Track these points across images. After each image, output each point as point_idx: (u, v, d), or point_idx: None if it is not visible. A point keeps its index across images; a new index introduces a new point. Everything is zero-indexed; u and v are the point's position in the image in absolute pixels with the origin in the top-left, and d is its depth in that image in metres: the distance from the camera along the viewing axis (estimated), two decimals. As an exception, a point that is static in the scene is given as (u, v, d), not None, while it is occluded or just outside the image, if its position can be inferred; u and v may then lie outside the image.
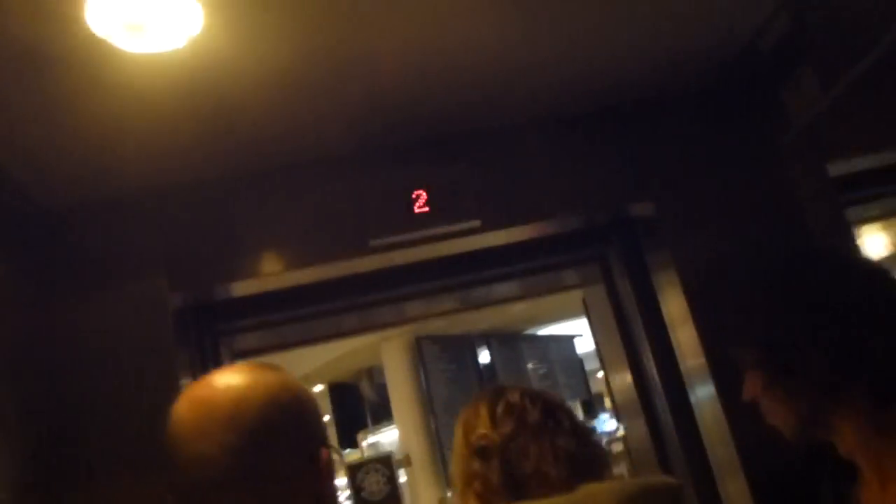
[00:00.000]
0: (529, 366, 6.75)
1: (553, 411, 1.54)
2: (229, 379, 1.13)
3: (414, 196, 2.27)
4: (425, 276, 2.53)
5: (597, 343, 2.98)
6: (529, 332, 6.98)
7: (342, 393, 7.64)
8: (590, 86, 2.31)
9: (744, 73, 2.29)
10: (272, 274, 2.36)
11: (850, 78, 1.90)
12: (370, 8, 1.75)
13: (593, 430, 2.00)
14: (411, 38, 1.92)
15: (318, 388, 7.84)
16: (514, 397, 1.56)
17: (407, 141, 2.33)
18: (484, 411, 1.56)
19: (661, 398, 2.49)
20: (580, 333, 7.08)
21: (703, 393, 2.33)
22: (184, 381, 2.21)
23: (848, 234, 2.32)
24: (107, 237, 2.26)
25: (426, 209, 2.27)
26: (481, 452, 1.50)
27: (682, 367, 2.42)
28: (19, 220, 2.17)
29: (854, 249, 2.37)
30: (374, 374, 7.63)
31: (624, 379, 2.66)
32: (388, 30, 1.86)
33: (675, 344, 2.43)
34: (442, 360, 6.59)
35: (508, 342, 6.84)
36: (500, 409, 1.54)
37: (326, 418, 8.27)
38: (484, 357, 6.67)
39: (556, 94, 2.31)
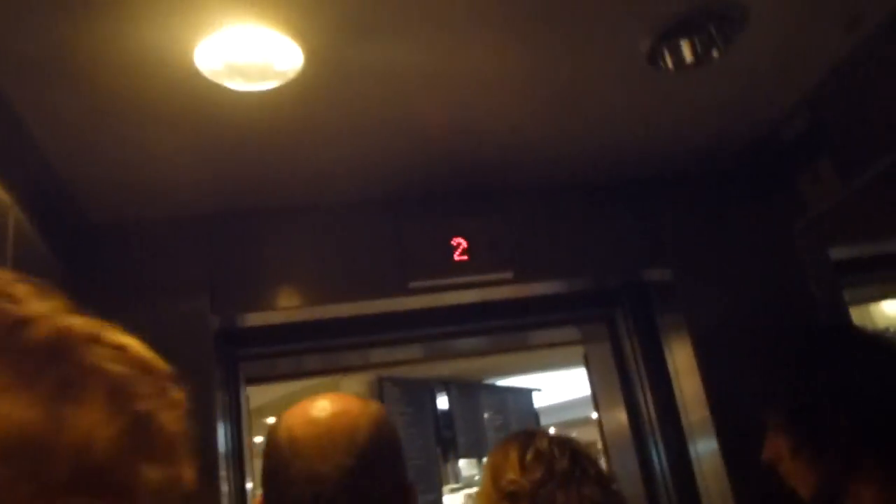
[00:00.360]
0: (486, 416, 6.82)
1: (580, 459, 1.62)
2: (342, 406, 1.24)
3: (454, 243, 2.39)
4: (449, 320, 2.64)
5: (595, 396, 3.11)
6: (489, 381, 7.06)
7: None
8: (620, 158, 2.50)
9: (764, 159, 2.51)
10: (301, 306, 2.44)
11: (869, 175, 2.11)
12: (423, 71, 1.90)
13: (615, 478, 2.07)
14: (458, 100, 2.06)
15: (272, 420, 7.74)
16: (544, 444, 1.63)
17: (450, 191, 2.47)
18: (514, 456, 1.62)
19: (660, 452, 2.63)
20: (538, 388, 7.21)
21: (704, 448, 2.47)
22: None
23: (844, 310, 2.52)
24: (154, 256, 2.32)
25: (465, 257, 2.39)
26: (511, 497, 1.57)
27: (684, 421, 2.56)
28: (72, 232, 2.21)
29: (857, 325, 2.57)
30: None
31: (622, 433, 2.79)
32: (437, 89, 2.00)
33: (678, 399, 2.58)
34: (401, 402, 6.61)
35: (467, 390, 6.91)
36: (529, 456, 1.60)
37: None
38: (442, 403, 6.72)
39: (588, 163, 2.50)
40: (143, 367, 0.53)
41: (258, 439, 3.47)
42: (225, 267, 2.38)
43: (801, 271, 2.46)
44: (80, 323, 0.51)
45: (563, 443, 1.65)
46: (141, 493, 0.49)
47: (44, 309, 0.50)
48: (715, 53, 1.92)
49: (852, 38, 2.03)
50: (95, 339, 0.50)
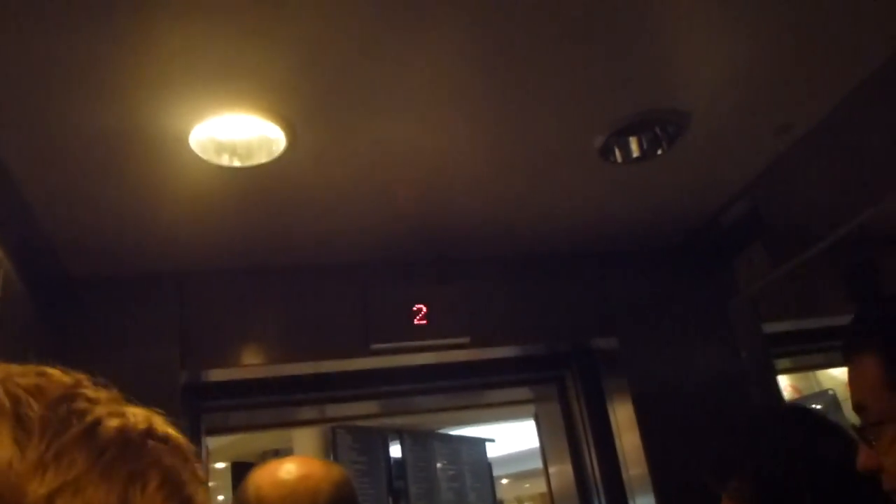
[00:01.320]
0: (439, 465, 6.86)
1: None
2: (307, 469, 1.38)
3: (415, 308, 2.54)
4: (407, 378, 2.78)
5: (543, 451, 3.25)
6: (442, 431, 7.14)
7: (245, 473, 7.47)
8: (573, 236, 2.71)
9: (704, 242, 2.73)
10: (266, 364, 2.55)
11: (796, 260, 2.32)
12: (395, 154, 2.08)
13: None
14: (427, 178, 2.24)
15: (220, 465, 7.68)
16: None
17: (414, 260, 2.64)
18: None
19: (602, 506, 2.78)
20: (492, 438, 7.29)
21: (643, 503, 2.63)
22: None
23: (774, 379, 2.73)
24: (128, 310, 2.42)
25: (425, 322, 2.54)
26: None
27: (625, 476, 2.73)
28: (52, 285, 2.31)
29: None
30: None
31: (568, 487, 2.94)
32: (408, 169, 2.17)
33: (620, 456, 2.74)
34: (354, 451, 6.62)
35: (421, 439, 6.95)
36: None
37: (221, 498, 8.09)
38: (395, 451, 6.75)
39: (544, 239, 2.71)
40: (183, 456, 0.67)
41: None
42: (195, 323, 2.49)
43: (734, 343, 2.66)
44: (136, 417, 0.66)
45: None
46: None
47: (109, 405, 0.64)
48: (660, 151, 2.13)
49: (784, 140, 2.26)
50: (150, 434, 0.65)
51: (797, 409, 1.85)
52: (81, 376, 0.65)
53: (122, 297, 2.43)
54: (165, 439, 0.67)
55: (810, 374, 4.60)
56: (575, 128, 2.05)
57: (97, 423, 0.61)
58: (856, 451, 1.47)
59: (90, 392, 0.64)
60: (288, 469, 1.37)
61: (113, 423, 0.62)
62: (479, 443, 7.40)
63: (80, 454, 0.59)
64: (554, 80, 1.85)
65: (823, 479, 1.37)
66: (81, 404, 0.63)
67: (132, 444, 0.63)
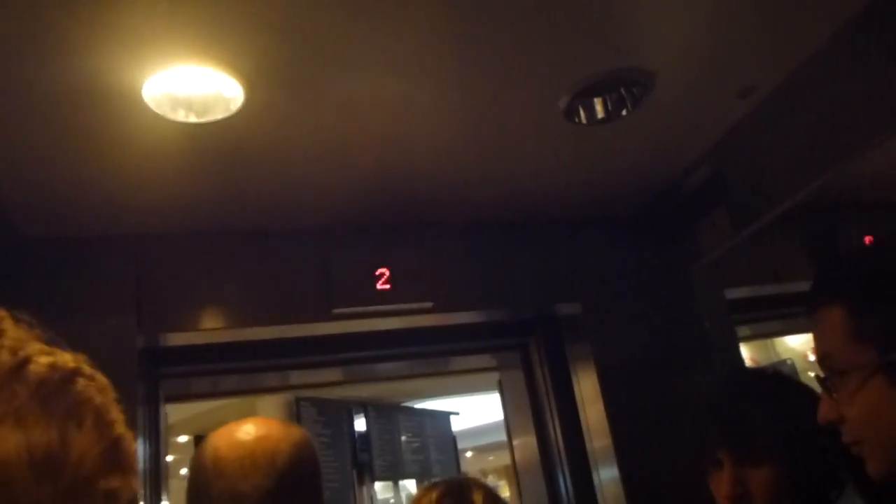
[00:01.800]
0: (404, 438, 6.89)
1: None
2: (266, 430, 1.33)
3: (378, 273, 2.51)
4: (370, 345, 2.75)
5: (507, 422, 3.26)
6: (407, 404, 7.15)
7: (208, 447, 7.41)
8: (537, 200, 2.69)
9: (668, 207, 2.73)
10: (225, 328, 2.50)
11: (758, 224, 2.34)
12: (357, 111, 2.03)
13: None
14: (391, 138, 2.20)
15: (183, 438, 7.61)
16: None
17: (377, 224, 2.60)
18: None
19: (566, 478, 2.79)
20: (457, 412, 7.32)
21: (606, 475, 2.65)
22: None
23: (736, 345, 2.76)
24: (83, 272, 2.36)
25: (388, 286, 2.51)
26: None
27: (588, 448, 2.74)
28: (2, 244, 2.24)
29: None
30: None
31: (531, 458, 2.95)
32: (370, 129, 2.14)
33: (584, 427, 2.75)
34: (319, 423, 6.61)
35: (385, 412, 6.96)
36: None
37: (183, 472, 8.01)
38: (360, 425, 6.75)
39: (508, 203, 2.69)
40: (110, 395, 0.66)
41: (169, 458, 3.48)
42: (152, 287, 2.43)
43: (697, 309, 2.68)
44: (64, 356, 0.64)
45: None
46: (111, 499, 0.61)
47: (34, 343, 0.62)
48: (624, 112, 2.12)
49: (747, 104, 2.26)
50: (80, 373, 0.63)
51: (766, 369, 1.87)
52: (2, 312, 0.63)
53: (76, 259, 2.36)
54: (93, 377, 0.66)
55: (769, 344, 4.68)
56: (540, 88, 2.03)
57: (28, 359, 0.59)
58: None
59: (12, 329, 0.62)
60: (247, 430, 1.32)
61: (44, 360, 0.61)
62: (444, 416, 7.43)
63: (18, 386, 0.57)
64: (518, 40, 1.82)
65: (794, 428, 1.37)
66: (7, 340, 0.61)
67: (65, 381, 0.61)
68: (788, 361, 4.43)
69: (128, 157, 2.05)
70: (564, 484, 2.80)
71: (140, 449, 2.37)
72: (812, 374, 1.12)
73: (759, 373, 1.73)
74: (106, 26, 1.56)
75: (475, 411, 7.94)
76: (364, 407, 6.89)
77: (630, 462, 2.56)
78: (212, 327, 2.47)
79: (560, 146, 2.33)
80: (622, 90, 2.08)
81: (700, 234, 2.60)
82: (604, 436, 2.66)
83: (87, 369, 0.66)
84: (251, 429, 1.32)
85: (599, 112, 2.12)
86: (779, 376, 1.63)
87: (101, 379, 0.68)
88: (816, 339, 1.05)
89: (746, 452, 1.39)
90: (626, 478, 2.54)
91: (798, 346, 4.60)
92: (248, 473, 1.24)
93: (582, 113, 2.11)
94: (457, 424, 7.43)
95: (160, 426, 2.60)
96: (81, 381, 0.62)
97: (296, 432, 1.36)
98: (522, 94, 2.05)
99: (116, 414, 0.66)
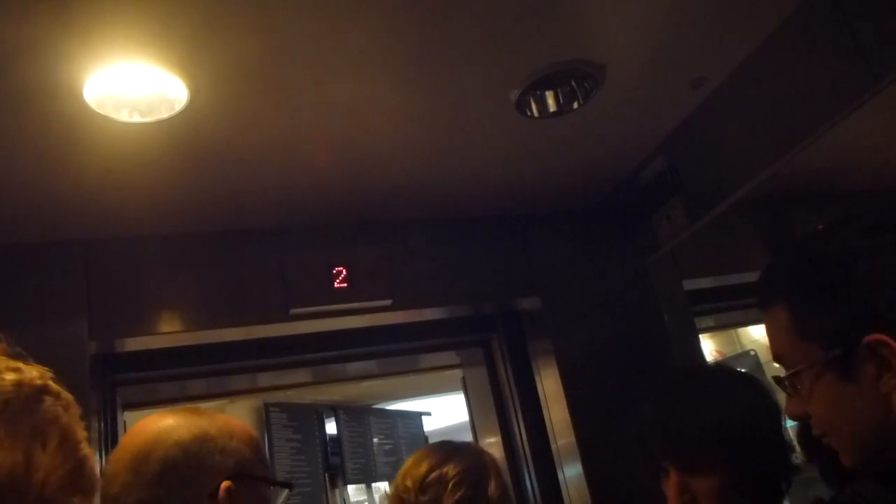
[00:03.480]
0: (375, 440, 6.84)
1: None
2: (149, 424, 1.23)
3: (335, 271, 2.49)
4: (331, 345, 2.73)
5: (472, 420, 3.24)
6: (378, 406, 7.11)
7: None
8: (494, 195, 2.69)
9: (624, 199, 2.74)
10: (182, 331, 2.46)
11: (712, 214, 2.35)
12: (306, 108, 2.01)
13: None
14: (343, 136, 2.18)
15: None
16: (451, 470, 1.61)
17: (332, 222, 2.58)
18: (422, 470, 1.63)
19: (531, 476, 2.78)
20: (428, 412, 7.29)
21: (571, 472, 2.64)
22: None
23: (696, 337, 2.77)
24: (30, 280, 2.30)
25: (345, 285, 2.49)
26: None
27: (553, 445, 2.73)
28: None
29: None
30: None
31: (497, 455, 2.93)
32: (322, 127, 2.12)
33: (548, 424, 2.75)
34: (289, 428, 6.54)
35: (356, 415, 6.91)
36: (432, 476, 1.61)
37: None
38: (331, 428, 6.70)
39: (465, 198, 2.68)
40: (76, 412, 0.64)
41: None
42: (104, 292, 2.38)
43: (655, 301, 2.68)
44: (31, 371, 0.62)
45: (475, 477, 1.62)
46: None
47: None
48: (576, 105, 2.12)
49: (699, 95, 2.28)
50: (46, 390, 0.61)
51: (706, 365, 1.86)
52: None
53: (23, 266, 2.30)
54: (59, 395, 0.64)
55: (734, 335, 4.71)
56: (491, 82, 2.02)
57: None
58: (770, 401, 1.47)
59: None
60: (134, 430, 1.23)
61: (9, 377, 0.59)
62: (416, 416, 7.40)
63: None
64: (468, 34, 1.81)
65: (733, 431, 1.35)
66: None
67: (31, 399, 0.59)
68: (752, 352, 4.45)
69: (73, 160, 2.01)
70: (530, 482, 2.79)
71: (99, 457, 2.32)
72: (777, 365, 1.11)
73: (698, 372, 1.66)
74: (46, 21, 1.52)
75: (447, 411, 7.92)
76: (334, 410, 6.84)
77: (594, 459, 2.56)
78: (167, 331, 2.43)
79: (514, 140, 2.32)
80: (573, 83, 2.08)
81: (657, 226, 2.61)
82: (567, 433, 2.65)
83: (53, 387, 0.64)
84: (140, 425, 1.23)
85: (551, 105, 2.12)
86: (719, 372, 1.61)
87: (67, 396, 0.66)
88: (769, 339, 1.06)
89: (688, 462, 1.37)
90: (591, 475, 2.54)
91: (761, 337, 4.63)
92: (117, 473, 1.15)
93: (534, 106, 2.11)
94: (429, 425, 7.40)
95: (119, 434, 2.55)
96: (48, 400, 0.61)
97: (183, 419, 1.23)
98: (474, 89, 2.04)
99: (81, 433, 0.64)
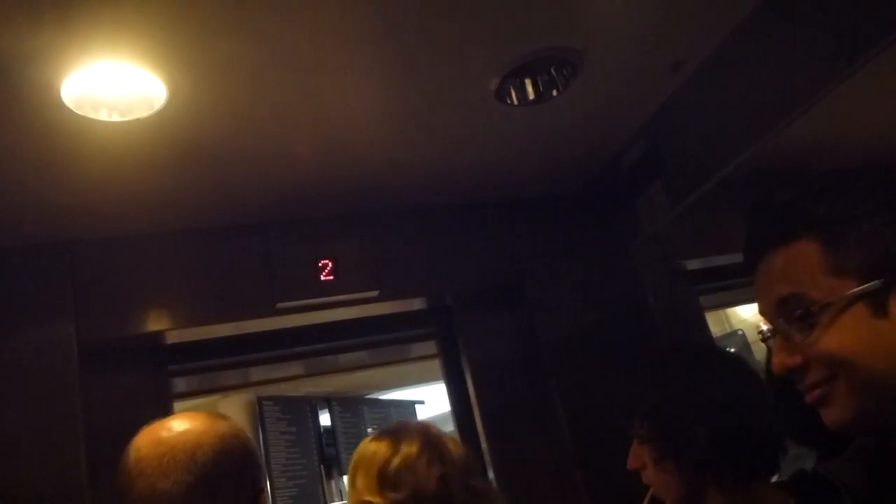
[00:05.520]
0: (370, 430, 6.86)
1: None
2: (187, 424, 1.30)
3: (321, 264, 2.49)
4: (320, 338, 2.74)
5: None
6: (371, 396, 7.14)
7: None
8: (476, 183, 2.70)
9: (606, 184, 2.76)
10: (170, 329, 2.47)
11: (693, 196, 2.37)
12: (286, 106, 2.02)
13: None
14: (323, 130, 2.18)
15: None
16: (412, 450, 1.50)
17: (317, 215, 2.59)
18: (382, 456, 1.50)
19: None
20: (422, 400, 7.33)
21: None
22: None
23: (688, 319, 2.80)
24: (13, 283, 2.30)
25: (331, 277, 2.50)
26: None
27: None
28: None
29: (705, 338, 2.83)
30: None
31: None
32: (303, 121, 2.12)
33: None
34: (283, 421, 6.56)
35: (350, 405, 6.93)
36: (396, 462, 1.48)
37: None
38: (325, 420, 6.72)
39: (446, 187, 2.69)
40: None
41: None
42: (90, 291, 2.38)
43: (641, 282, 2.71)
44: None
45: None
46: None
47: None
48: (555, 92, 2.13)
49: (678, 78, 2.29)
50: None
51: (693, 345, 1.86)
52: None
53: (7, 270, 2.30)
54: None
55: (722, 316, 4.74)
56: (470, 71, 2.03)
57: None
58: (757, 384, 1.48)
59: None
60: (168, 427, 1.29)
61: None
62: (409, 405, 7.43)
63: None
64: (446, 23, 1.81)
65: (719, 415, 1.37)
66: None
67: None
68: (739, 332, 4.49)
69: (53, 162, 2.00)
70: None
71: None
72: (763, 323, 1.07)
73: (691, 355, 1.61)
74: (20, 27, 1.51)
75: (440, 399, 7.95)
76: (328, 402, 6.86)
77: (582, 437, 2.58)
78: (155, 329, 2.43)
79: (494, 128, 2.33)
80: (552, 70, 2.08)
81: (640, 210, 2.62)
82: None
83: None
84: (173, 425, 1.29)
85: (531, 93, 2.12)
86: (714, 355, 1.60)
87: None
88: (779, 279, 0.97)
89: (671, 453, 1.41)
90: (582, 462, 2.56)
91: (750, 316, 4.67)
92: (168, 470, 1.21)
93: (513, 94, 2.12)
94: (422, 413, 7.43)
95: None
96: None
97: (222, 424, 1.32)
98: (453, 79, 2.04)
99: None
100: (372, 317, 2.76)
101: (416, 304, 2.77)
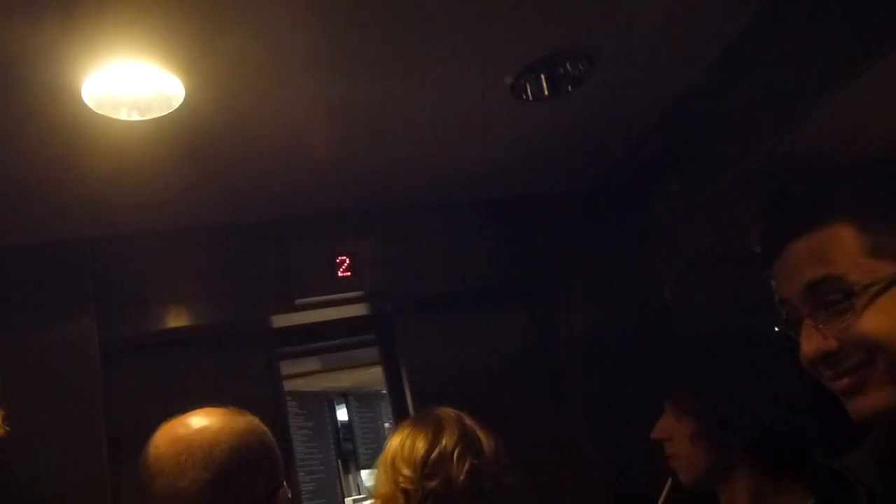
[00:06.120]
0: (387, 425, 6.89)
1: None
2: (205, 421, 1.30)
3: (339, 261, 2.51)
4: (336, 333, 2.75)
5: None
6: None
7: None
8: (493, 179, 2.71)
9: (622, 180, 2.75)
10: (189, 325, 2.49)
11: (710, 189, 2.36)
12: (303, 105, 2.03)
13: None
14: (341, 126, 2.19)
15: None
16: (449, 443, 1.58)
17: (334, 212, 2.61)
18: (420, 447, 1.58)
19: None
20: (437, 395, 7.32)
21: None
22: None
23: (699, 311, 2.78)
24: (36, 281, 2.34)
25: (349, 273, 2.51)
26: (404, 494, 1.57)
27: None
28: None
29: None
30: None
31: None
32: (319, 119, 2.13)
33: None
34: (300, 416, 6.59)
35: (367, 400, 6.96)
36: (434, 455, 1.56)
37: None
38: (342, 415, 6.75)
39: (465, 184, 2.70)
40: None
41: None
42: (111, 289, 2.41)
43: (658, 276, 2.70)
44: None
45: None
46: None
47: None
48: (570, 87, 2.13)
49: (693, 72, 2.27)
50: None
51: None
52: None
53: (30, 268, 2.34)
54: None
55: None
56: (486, 67, 2.03)
57: None
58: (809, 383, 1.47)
59: None
60: (186, 423, 1.30)
61: None
62: (425, 400, 7.45)
63: None
64: (461, 20, 1.82)
65: (773, 405, 1.39)
66: None
67: None
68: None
69: (75, 161, 2.03)
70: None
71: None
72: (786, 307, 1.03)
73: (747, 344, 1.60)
74: (43, 24, 1.53)
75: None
76: (345, 397, 6.89)
77: (601, 428, 2.58)
78: (175, 325, 2.45)
79: (510, 124, 2.33)
80: (568, 65, 2.08)
81: (656, 205, 2.61)
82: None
83: None
84: (191, 422, 1.30)
85: (546, 88, 2.12)
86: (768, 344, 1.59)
87: None
88: (812, 263, 0.93)
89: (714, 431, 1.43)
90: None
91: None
92: (186, 468, 1.22)
93: (529, 90, 2.12)
94: (437, 408, 7.45)
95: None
96: None
97: (239, 420, 1.32)
98: (470, 75, 2.05)
99: None
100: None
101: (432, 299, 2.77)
